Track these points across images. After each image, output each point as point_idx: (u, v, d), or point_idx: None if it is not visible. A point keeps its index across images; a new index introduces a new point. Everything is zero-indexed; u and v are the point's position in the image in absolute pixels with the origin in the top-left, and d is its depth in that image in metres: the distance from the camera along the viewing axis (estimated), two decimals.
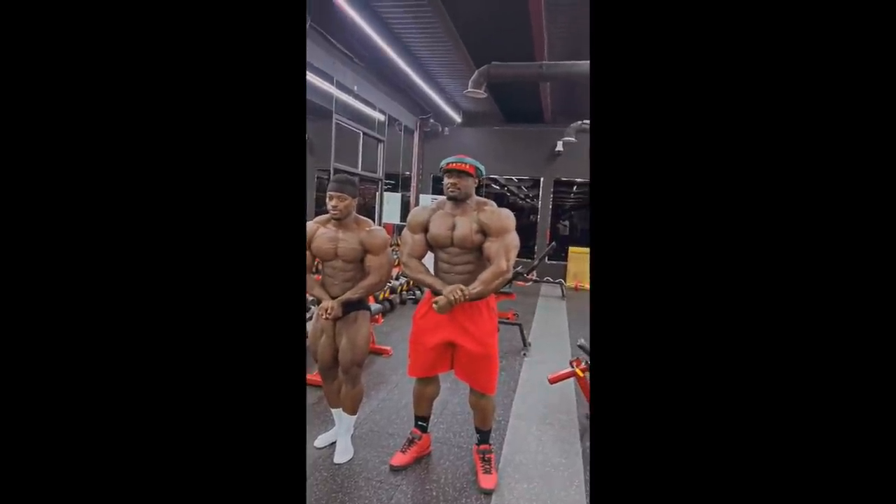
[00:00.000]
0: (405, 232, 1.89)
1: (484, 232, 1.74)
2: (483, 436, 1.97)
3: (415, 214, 1.89)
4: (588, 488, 1.89)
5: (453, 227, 1.78)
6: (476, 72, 4.47)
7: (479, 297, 1.73)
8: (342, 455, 1.98)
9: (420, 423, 2.04)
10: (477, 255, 1.78)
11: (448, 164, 1.77)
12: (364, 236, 1.87)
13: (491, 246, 1.73)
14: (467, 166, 1.75)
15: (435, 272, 1.86)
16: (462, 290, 1.67)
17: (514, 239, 1.75)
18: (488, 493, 1.81)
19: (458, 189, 1.76)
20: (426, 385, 1.98)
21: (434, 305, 1.72)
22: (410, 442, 2.01)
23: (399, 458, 1.96)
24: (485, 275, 1.71)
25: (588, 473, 1.99)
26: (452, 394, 2.64)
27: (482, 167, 1.82)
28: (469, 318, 1.79)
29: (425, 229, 1.85)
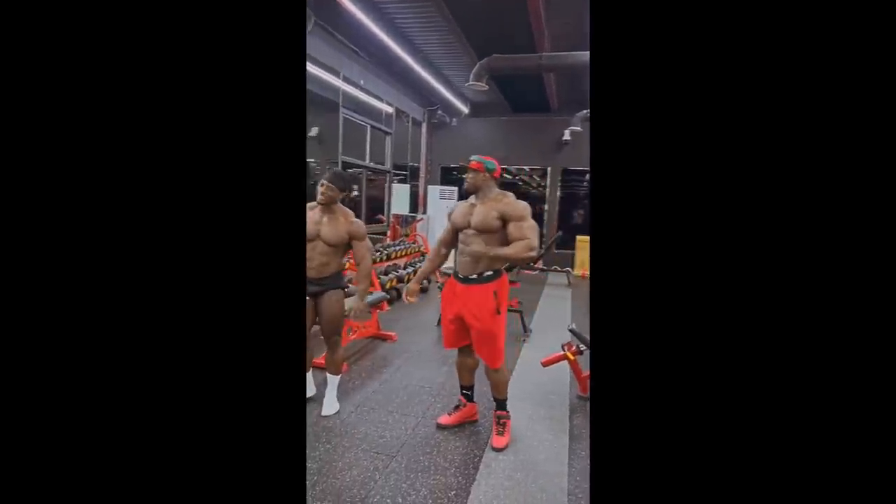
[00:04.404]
0: None
1: (504, 220, 2.00)
2: (499, 403, 2.20)
3: (451, 208, 2.24)
4: (570, 458, 2.03)
5: (472, 214, 2.05)
6: (477, 64, 4.55)
7: (504, 259, 2.00)
8: (329, 408, 2.34)
9: (465, 391, 2.30)
10: (488, 238, 2.01)
11: (462, 162, 2.14)
12: (350, 227, 2.24)
13: (515, 229, 1.98)
14: (473, 163, 2.09)
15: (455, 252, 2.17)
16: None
17: (533, 223, 2.01)
18: (499, 451, 2.07)
19: (468, 182, 2.09)
20: (465, 357, 2.24)
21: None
22: (456, 407, 2.30)
23: (445, 419, 2.26)
24: (514, 245, 1.95)
25: (571, 447, 2.13)
26: (451, 375, 2.79)
27: (490, 163, 2.11)
28: (469, 297, 2.05)
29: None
